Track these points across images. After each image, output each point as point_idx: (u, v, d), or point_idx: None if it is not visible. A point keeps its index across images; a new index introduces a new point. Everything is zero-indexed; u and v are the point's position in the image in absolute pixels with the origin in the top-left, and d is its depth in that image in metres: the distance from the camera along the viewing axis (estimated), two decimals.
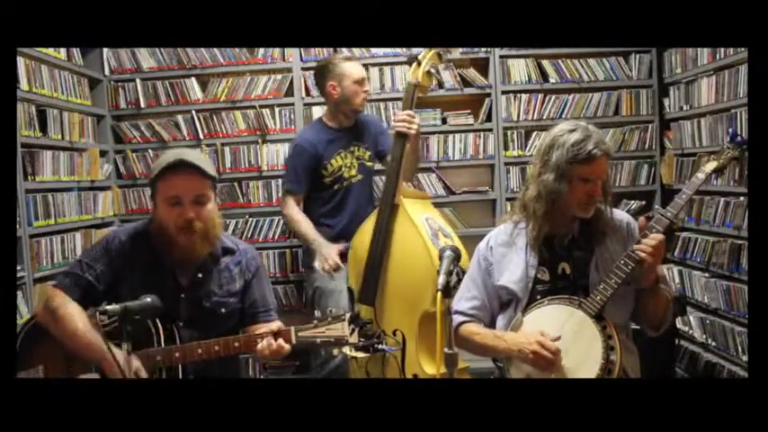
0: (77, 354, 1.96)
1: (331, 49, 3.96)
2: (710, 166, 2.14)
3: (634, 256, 1.95)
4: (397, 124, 2.83)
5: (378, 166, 3.41)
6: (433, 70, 2.85)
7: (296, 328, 1.96)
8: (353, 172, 3.22)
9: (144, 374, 1.88)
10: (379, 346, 2.64)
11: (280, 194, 3.95)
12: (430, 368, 2.67)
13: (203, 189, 2.00)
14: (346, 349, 2.73)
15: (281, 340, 1.95)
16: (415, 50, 3.85)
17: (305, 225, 3.13)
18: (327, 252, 3.01)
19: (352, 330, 1.92)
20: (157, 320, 1.95)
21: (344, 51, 3.96)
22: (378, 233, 2.81)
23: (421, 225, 2.73)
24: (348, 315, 1.93)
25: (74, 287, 2.03)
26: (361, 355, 2.69)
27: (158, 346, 1.96)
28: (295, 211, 3.17)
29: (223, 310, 2.10)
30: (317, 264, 3.02)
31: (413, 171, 3.17)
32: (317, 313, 1.97)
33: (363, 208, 3.20)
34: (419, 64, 2.83)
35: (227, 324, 2.10)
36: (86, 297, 2.02)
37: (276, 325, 2.05)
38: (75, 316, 1.98)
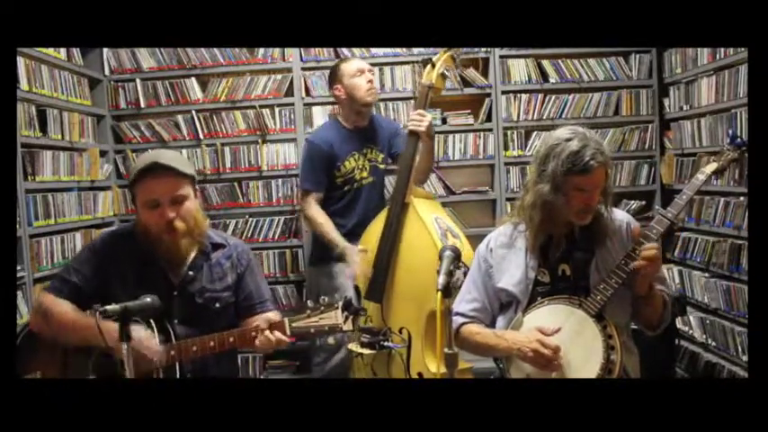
0: (79, 342, 1.97)
1: (331, 50, 3.97)
2: (710, 167, 2.13)
3: (634, 256, 1.95)
4: (409, 123, 2.87)
5: (392, 166, 3.40)
6: (446, 72, 2.88)
7: (289, 319, 1.96)
8: (365, 174, 3.21)
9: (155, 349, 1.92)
10: (385, 344, 2.66)
11: (279, 195, 3.98)
12: (435, 366, 2.67)
13: (180, 189, 2.00)
14: (352, 346, 2.75)
15: (276, 332, 1.95)
16: (416, 51, 3.94)
17: (329, 228, 3.08)
18: (356, 259, 2.91)
19: (346, 318, 1.92)
20: (151, 320, 1.95)
21: (345, 52, 3.97)
22: (387, 231, 2.82)
23: (430, 224, 2.74)
24: (340, 303, 1.93)
25: (62, 290, 2.04)
26: (366, 351, 2.70)
27: None
28: (318, 213, 3.12)
29: (217, 305, 2.09)
30: (346, 270, 2.97)
31: (426, 173, 3.16)
32: (310, 303, 1.97)
33: (373, 209, 3.18)
34: (433, 66, 2.86)
35: (222, 319, 2.09)
36: (75, 299, 2.03)
37: (273, 315, 2.06)
38: (67, 310, 2.00)
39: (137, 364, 1.74)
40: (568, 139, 1.96)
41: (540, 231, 2.05)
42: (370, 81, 3.15)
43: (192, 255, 2.08)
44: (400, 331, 2.73)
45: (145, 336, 1.91)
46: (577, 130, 2.00)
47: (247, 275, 2.16)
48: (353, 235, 3.07)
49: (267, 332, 1.95)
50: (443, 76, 2.88)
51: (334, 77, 3.20)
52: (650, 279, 1.96)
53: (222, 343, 1.97)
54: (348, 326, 1.92)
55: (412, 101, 3.91)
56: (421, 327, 2.70)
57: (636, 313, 2.07)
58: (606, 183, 2.01)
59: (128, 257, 2.06)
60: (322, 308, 1.93)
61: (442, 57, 2.88)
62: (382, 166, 3.30)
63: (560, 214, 2.02)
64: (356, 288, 2.94)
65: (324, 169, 3.15)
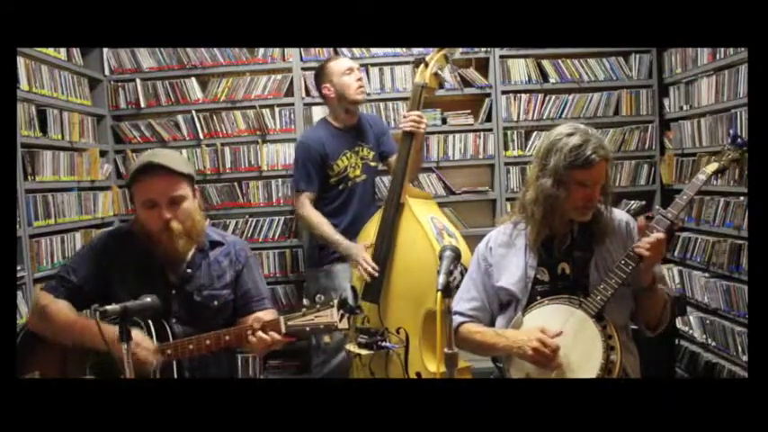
0: (76, 342, 1.96)
1: (331, 50, 3.97)
2: (711, 167, 2.13)
3: (634, 256, 1.96)
4: (407, 123, 2.86)
5: (380, 167, 3.41)
6: (440, 72, 2.88)
7: (285, 318, 1.94)
8: (358, 172, 3.22)
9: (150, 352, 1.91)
10: (383, 344, 2.65)
11: (279, 195, 3.97)
12: (433, 366, 2.68)
13: (177, 189, 1.99)
14: (350, 347, 2.75)
15: (272, 332, 1.94)
16: (415, 51, 3.93)
17: (326, 228, 3.07)
18: (364, 256, 2.88)
19: (342, 316, 1.91)
20: (149, 320, 1.95)
21: (345, 52, 3.97)
22: (383, 231, 2.82)
23: (426, 224, 2.75)
24: (336, 301, 1.92)
25: (60, 289, 2.05)
26: (364, 352, 2.70)
27: None
28: (313, 213, 3.11)
29: (215, 303, 2.09)
30: (355, 270, 2.95)
31: (416, 171, 3.18)
32: (306, 301, 1.96)
33: (366, 208, 3.20)
34: (426, 65, 2.86)
35: (220, 317, 2.09)
36: (73, 299, 2.03)
37: (269, 313, 2.06)
38: (65, 309, 2.00)
39: (134, 366, 1.73)
40: (570, 134, 1.99)
41: (541, 227, 2.06)
42: (360, 79, 3.16)
43: (191, 253, 2.08)
44: (398, 331, 2.73)
45: (141, 338, 1.90)
46: (578, 126, 2.03)
47: (245, 273, 2.15)
48: (348, 234, 3.08)
49: (261, 333, 1.93)
50: (436, 76, 2.88)
51: (322, 76, 3.19)
52: (653, 267, 1.97)
53: (218, 341, 1.96)
54: (344, 324, 1.91)
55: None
56: (418, 326, 2.70)
57: (637, 310, 2.08)
58: (606, 180, 2.02)
59: (126, 256, 2.06)
60: (318, 306, 1.92)
61: (434, 56, 2.88)
62: (374, 164, 3.31)
63: (561, 210, 2.02)
64: (353, 288, 2.94)
65: (316, 169, 3.15)
